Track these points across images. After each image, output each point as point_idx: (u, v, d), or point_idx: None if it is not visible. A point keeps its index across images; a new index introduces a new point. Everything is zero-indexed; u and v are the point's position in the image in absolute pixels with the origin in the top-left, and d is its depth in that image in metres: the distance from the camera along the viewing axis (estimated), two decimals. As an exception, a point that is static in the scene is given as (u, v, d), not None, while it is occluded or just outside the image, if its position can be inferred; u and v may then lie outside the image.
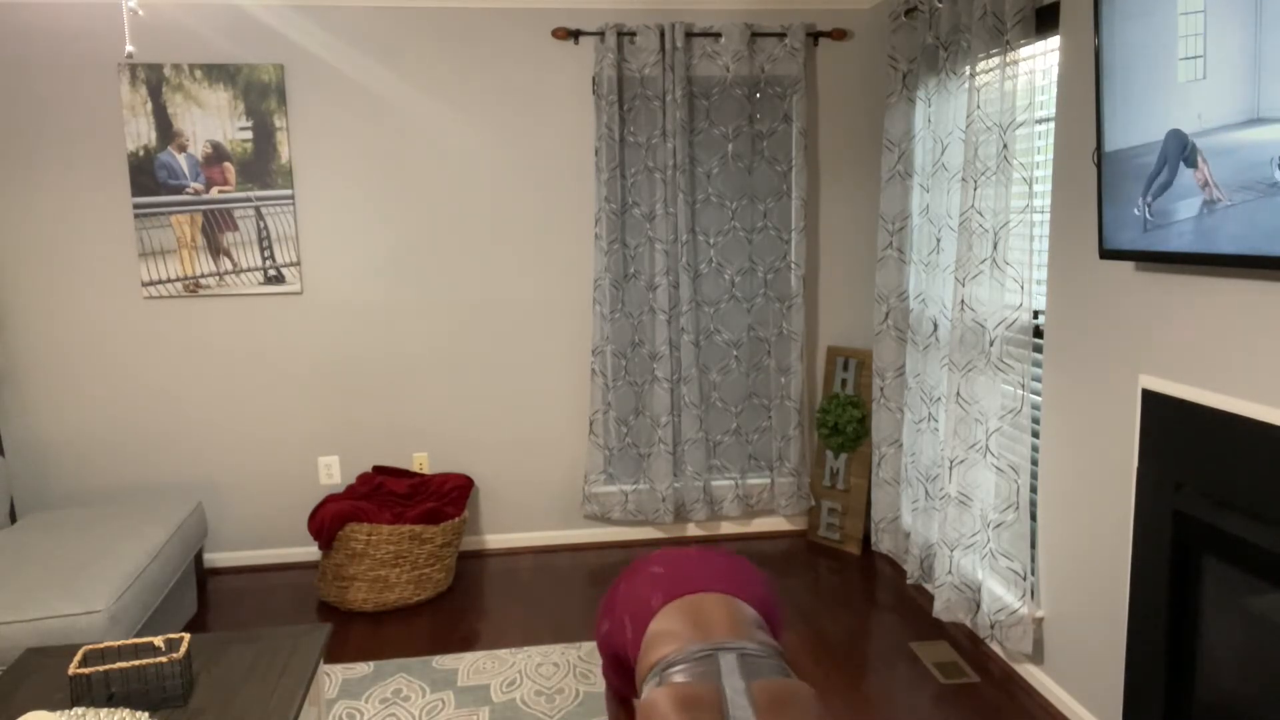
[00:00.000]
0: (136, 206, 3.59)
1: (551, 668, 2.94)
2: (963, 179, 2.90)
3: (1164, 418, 2.11)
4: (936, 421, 3.36)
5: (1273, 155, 1.68)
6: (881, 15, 3.88)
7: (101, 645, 2.02)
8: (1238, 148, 1.76)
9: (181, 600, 3.29)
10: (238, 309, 3.73)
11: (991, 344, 2.80)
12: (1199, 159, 1.86)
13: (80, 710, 1.80)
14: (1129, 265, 2.28)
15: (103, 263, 3.63)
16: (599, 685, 2.82)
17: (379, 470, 3.85)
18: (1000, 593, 2.85)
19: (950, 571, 3.07)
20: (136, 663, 1.92)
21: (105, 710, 1.81)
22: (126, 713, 1.81)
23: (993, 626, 2.87)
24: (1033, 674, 2.80)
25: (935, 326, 3.33)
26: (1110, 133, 2.14)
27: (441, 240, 3.80)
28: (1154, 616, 2.15)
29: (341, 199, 3.72)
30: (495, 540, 4.03)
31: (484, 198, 3.80)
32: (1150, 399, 2.15)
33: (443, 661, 3.00)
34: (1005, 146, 2.70)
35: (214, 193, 3.63)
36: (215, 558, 3.87)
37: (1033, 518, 2.81)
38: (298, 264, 3.72)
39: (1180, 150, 1.92)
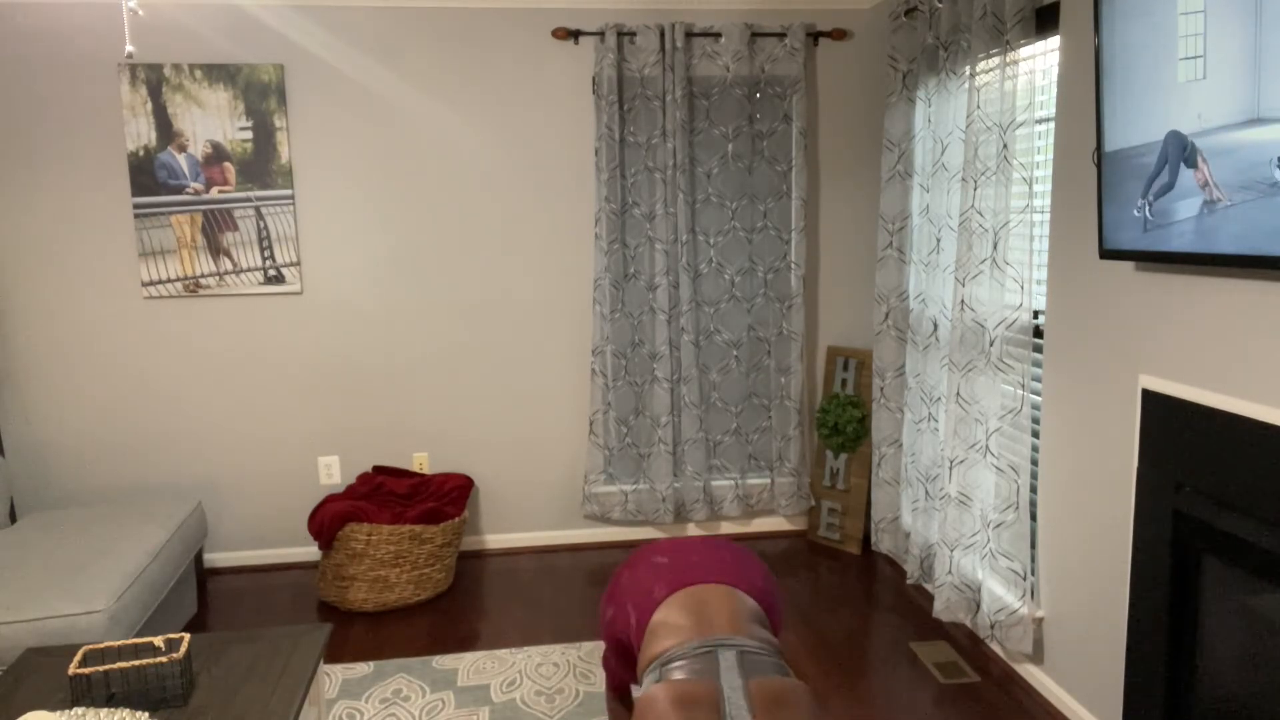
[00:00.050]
0: (136, 206, 3.59)
1: (551, 668, 2.94)
2: (963, 179, 2.90)
3: (1164, 418, 2.11)
4: (936, 421, 3.36)
5: (1273, 155, 1.68)
6: (881, 15, 3.88)
7: (101, 645, 2.02)
8: (1238, 148, 1.76)
9: (181, 600, 3.29)
10: (238, 309, 3.73)
11: (991, 344, 2.80)
12: (1199, 159, 1.86)
13: (80, 710, 1.80)
14: (1129, 265, 2.28)
15: (103, 263, 3.63)
16: (599, 685, 2.82)
17: (379, 470, 3.85)
18: (1000, 593, 2.85)
19: (950, 571, 3.07)
20: (136, 663, 1.92)
21: (105, 710, 1.81)
22: (126, 713, 1.81)
23: (993, 626, 2.87)
24: (1033, 674, 2.80)
25: (935, 326, 3.33)
26: (1110, 133, 2.14)
27: (441, 240, 3.80)
28: (1154, 616, 2.15)
29: (341, 199, 3.72)
30: (495, 540, 4.03)
31: (484, 198, 3.80)
32: (1150, 399, 2.15)
33: (443, 661, 3.00)
34: (1005, 146, 2.70)
35: (214, 193, 3.63)
36: (215, 558, 3.87)
37: (1033, 518, 2.81)
38: (298, 264, 3.72)
39: (1180, 150, 1.92)
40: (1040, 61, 2.73)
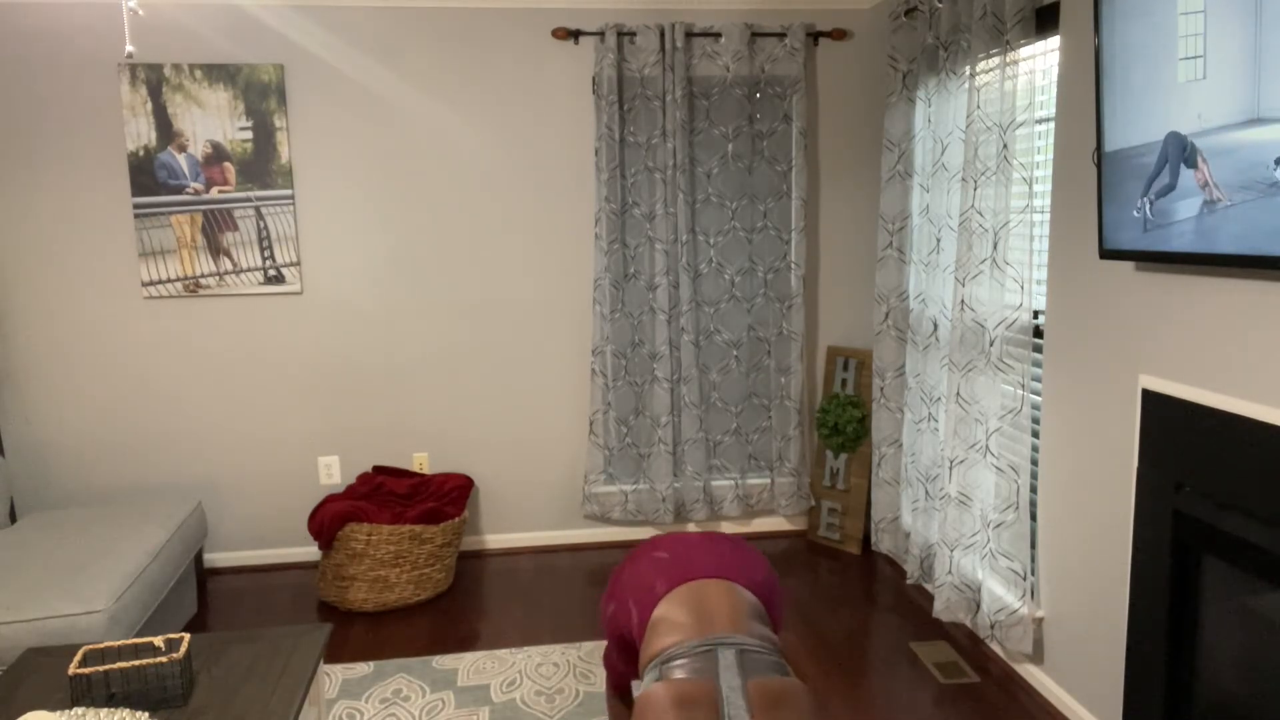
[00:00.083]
0: (136, 206, 3.59)
1: (551, 668, 2.94)
2: (963, 179, 2.90)
3: (1164, 418, 2.11)
4: (936, 421, 3.36)
5: (1273, 155, 1.68)
6: (881, 15, 3.87)
7: (101, 645, 2.02)
8: (1238, 148, 1.76)
9: (181, 600, 3.29)
10: (238, 309, 3.73)
11: (991, 344, 2.80)
12: (1199, 159, 1.86)
13: (80, 710, 1.80)
14: (1129, 265, 2.28)
15: (103, 263, 3.63)
16: (599, 685, 2.82)
17: (379, 470, 3.85)
18: (1000, 593, 2.85)
19: (950, 571, 3.07)
20: (136, 663, 1.92)
21: (105, 710, 1.81)
22: (126, 713, 1.82)
23: (993, 626, 2.87)
24: (1033, 674, 2.80)
25: (935, 326, 3.33)
26: (1110, 133, 2.14)
27: (441, 240, 3.80)
28: (1154, 616, 2.15)
29: (341, 199, 3.72)
30: (495, 540, 4.03)
31: (484, 198, 3.80)
32: (1150, 399, 2.15)
33: (443, 661, 3.00)
34: (1005, 146, 2.70)
35: (214, 193, 3.63)
36: (215, 558, 3.87)
37: (1033, 518, 2.81)
38: (298, 264, 3.72)
39: (1180, 151, 1.92)
40: (1040, 61, 2.73)
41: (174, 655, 1.96)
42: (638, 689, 1.83)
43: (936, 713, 2.66)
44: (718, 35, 3.72)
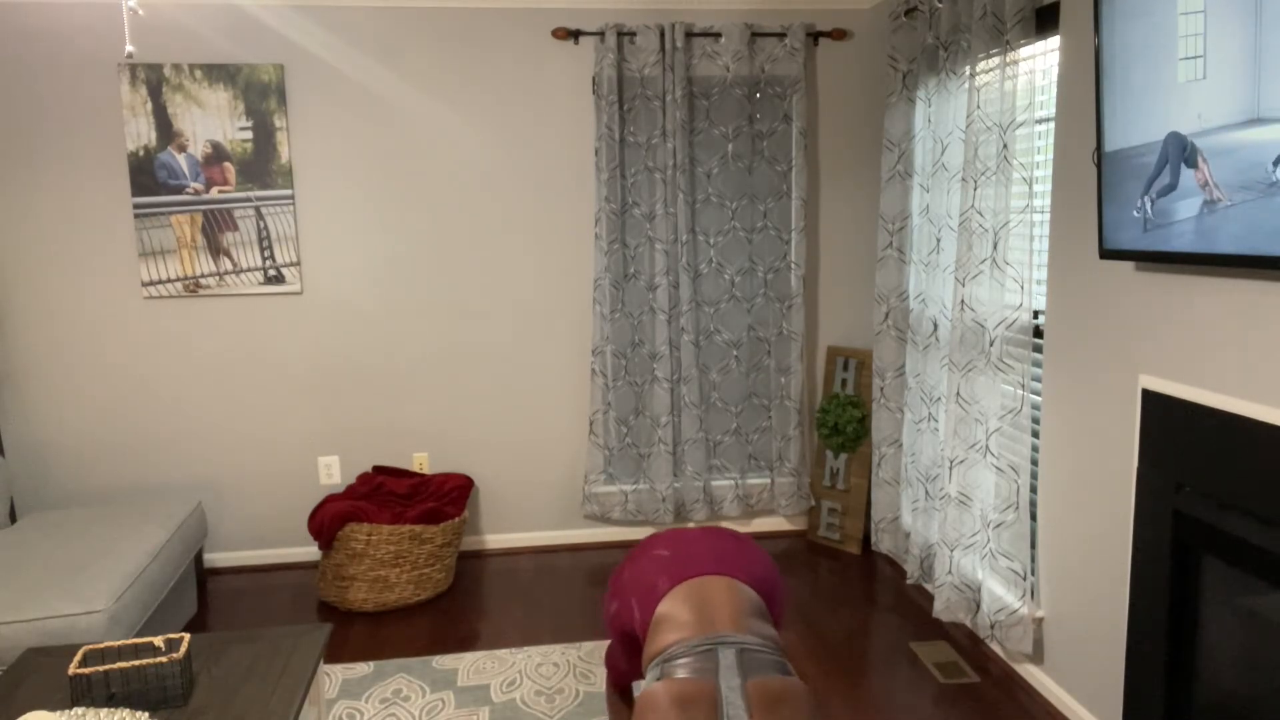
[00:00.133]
0: (136, 206, 3.59)
1: (551, 668, 2.94)
2: (963, 179, 2.90)
3: (1164, 418, 2.11)
4: (936, 421, 3.36)
5: (1272, 155, 1.68)
6: (881, 15, 3.88)
7: (101, 645, 2.02)
8: (1238, 148, 1.76)
9: (181, 600, 3.29)
10: (238, 309, 3.73)
11: (991, 344, 2.80)
12: (1199, 159, 1.87)
13: (80, 710, 1.80)
14: (1129, 265, 2.28)
15: (103, 263, 3.63)
16: (599, 685, 2.82)
17: (379, 470, 3.85)
18: (1000, 593, 2.85)
19: (950, 571, 3.07)
20: (136, 663, 1.92)
21: (105, 710, 1.81)
22: (126, 713, 1.82)
23: (993, 626, 2.87)
24: (1033, 674, 2.80)
25: (935, 326, 3.33)
26: (1110, 133, 2.14)
27: (441, 240, 3.80)
28: (1154, 616, 2.15)
29: (341, 199, 3.72)
30: (495, 540, 4.03)
31: (484, 198, 3.80)
32: (1150, 399, 2.15)
33: (443, 661, 3.00)
34: (1005, 146, 2.70)
35: (214, 193, 3.63)
36: (215, 558, 3.87)
37: (1033, 518, 2.81)
38: (298, 264, 3.72)
39: (1180, 150, 1.92)
40: (1040, 61, 2.73)
41: (174, 655, 1.96)
42: (638, 690, 1.84)
43: (936, 713, 2.66)
44: (718, 35, 3.72)
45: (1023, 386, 2.73)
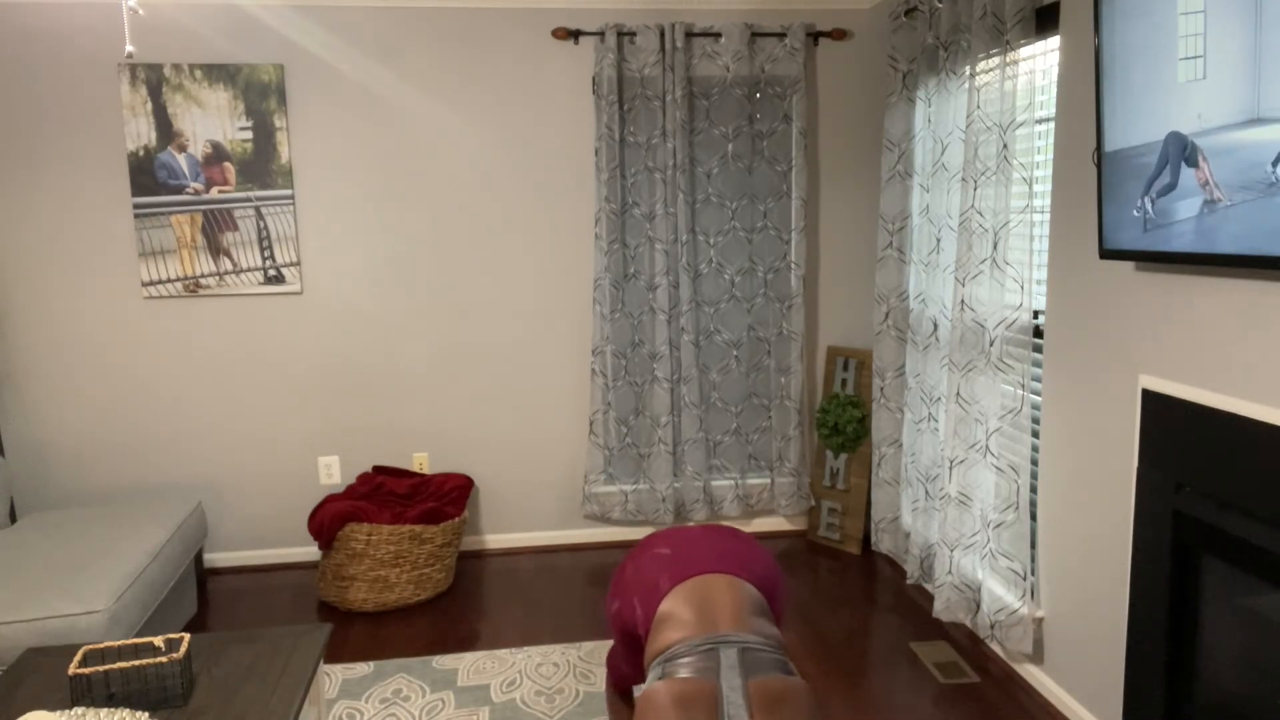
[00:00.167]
0: (136, 206, 3.59)
1: (551, 668, 2.94)
2: (963, 179, 2.90)
3: (1164, 418, 2.11)
4: (936, 421, 3.36)
5: (1272, 155, 1.68)
6: (881, 15, 3.88)
7: (101, 645, 2.02)
8: (1238, 148, 1.76)
9: (181, 600, 3.29)
10: (238, 309, 3.73)
11: (991, 344, 2.80)
12: (1200, 158, 1.87)
13: (80, 710, 1.80)
14: (1129, 265, 2.28)
15: (103, 263, 3.63)
16: (599, 685, 2.82)
17: (379, 470, 3.85)
18: (1000, 593, 2.85)
19: (950, 571, 3.07)
20: (136, 663, 1.92)
21: (105, 710, 1.81)
22: (126, 713, 1.82)
23: (993, 626, 2.87)
24: (1033, 674, 2.80)
25: (935, 326, 3.33)
26: (1110, 133, 2.14)
27: (441, 240, 3.80)
28: (1154, 616, 2.15)
29: (341, 199, 3.72)
30: (495, 540, 4.03)
31: (484, 198, 3.80)
32: (1150, 399, 2.15)
33: (443, 661, 3.00)
34: (1005, 146, 2.70)
35: (214, 193, 3.63)
36: (215, 558, 3.87)
37: (1033, 518, 2.81)
38: (298, 264, 3.72)
39: (1181, 150, 1.92)
40: (1040, 61, 2.73)
41: (174, 655, 1.96)
42: (639, 692, 1.84)
43: (936, 713, 2.66)
44: (718, 35, 3.72)
45: (1023, 386, 2.73)
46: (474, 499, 3.99)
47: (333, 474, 3.88)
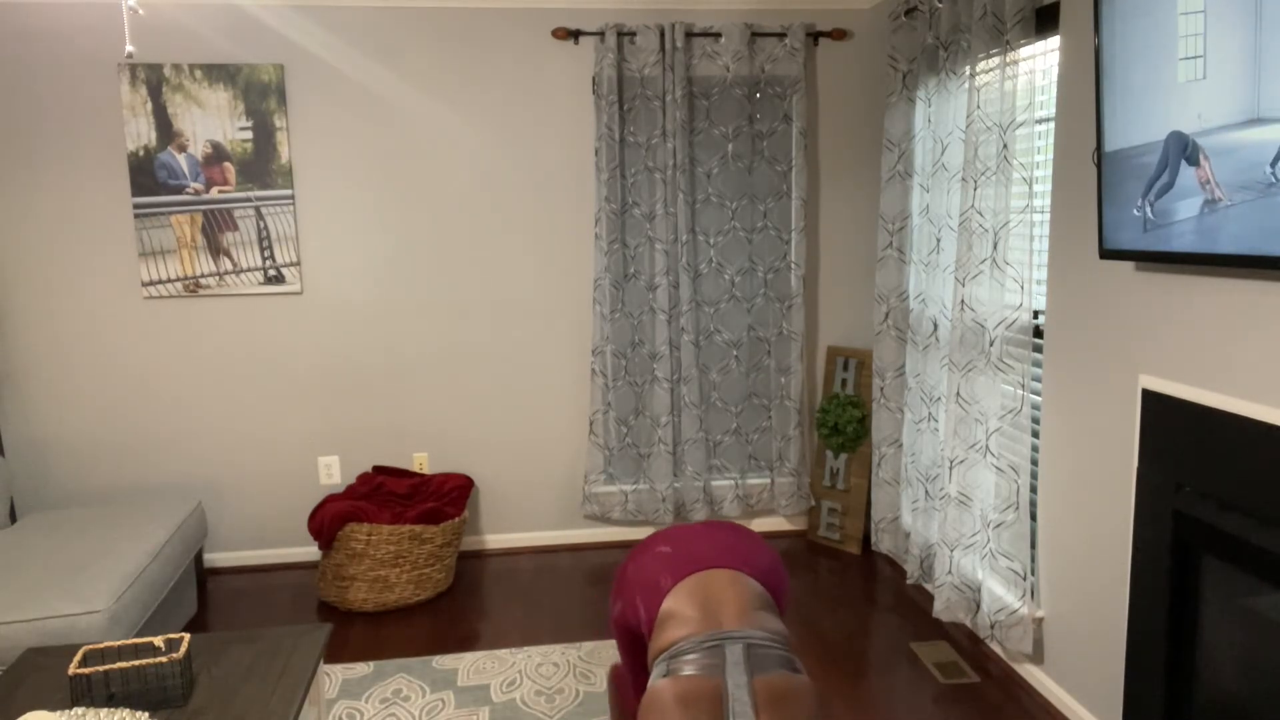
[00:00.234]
0: (136, 206, 3.59)
1: (551, 668, 2.94)
2: (963, 179, 2.90)
3: (1164, 418, 2.11)
4: (936, 421, 3.36)
5: (1272, 155, 1.68)
6: (881, 15, 3.88)
7: (101, 645, 2.02)
8: (1238, 148, 1.76)
9: (181, 600, 3.29)
10: (238, 309, 3.73)
11: (991, 344, 2.80)
12: (1201, 156, 1.87)
13: (80, 710, 1.80)
14: (1129, 265, 2.28)
15: (103, 263, 3.63)
16: (599, 685, 2.82)
17: (379, 470, 3.85)
18: (1000, 593, 2.85)
19: (950, 571, 3.07)
20: (136, 663, 1.92)
21: (105, 710, 1.81)
22: (126, 713, 1.82)
23: (993, 626, 2.87)
24: (1033, 674, 2.80)
25: (935, 326, 3.33)
26: (1110, 133, 2.14)
27: (441, 240, 3.80)
28: (1154, 616, 2.15)
29: (341, 199, 3.72)
30: (495, 540, 4.03)
31: (484, 198, 3.80)
32: (1150, 399, 2.15)
33: (443, 661, 3.00)
34: (1005, 146, 2.70)
35: (214, 193, 3.63)
36: (215, 558, 3.87)
37: (1033, 518, 2.81)
38: (298, 264, 3.72)
39: (1181, 149, 1.92)
40: (1040, 61, 2.73)
41: (174, 655, 1.96)
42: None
43: (936, 713, 2.66)
44: (718, 35, 3.72)
45: (1023, 386, 2.73)
46: (474, 499, 3.99)
47: (333, 474, 3.88)
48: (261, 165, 3.64)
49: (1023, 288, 2.70)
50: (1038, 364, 2.76)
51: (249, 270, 3.69)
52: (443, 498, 3.62)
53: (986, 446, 2.86)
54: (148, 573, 2.84)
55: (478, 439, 3.95)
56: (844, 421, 3.90)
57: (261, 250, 3.69)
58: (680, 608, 1.95)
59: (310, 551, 3.92)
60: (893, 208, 3.58)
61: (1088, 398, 2.48)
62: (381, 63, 3.66)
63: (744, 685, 1.67)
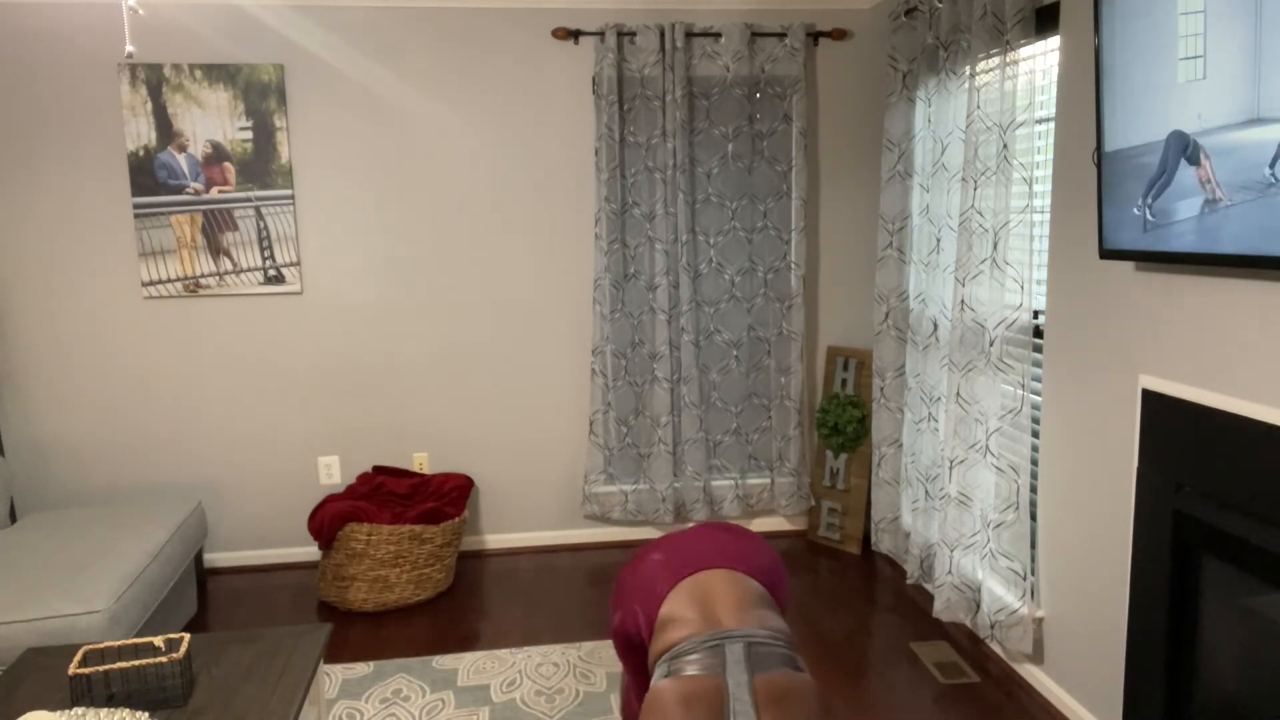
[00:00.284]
0: (136, 206, 3.59)
1: (551, 668, 2.94)
2: (963, 179, 2.90)
3: (1164, 418, 2.11)
4: (936, 421, 3.36)
5: (1270, 155, 1.68)
6: (881, 15, 3.88)
7: (101, 645, 2.02)
8: (1238, 148, 1.76)
9: (181, 600, 3.29)
10: (238, 309, 3.73)
11: (991, 344, 2.80)
12: (1201, 155, 1.87)
13: (80, 710, 1.80)
14: (1129, 265, 2.28)
15: (103, 263, 3.63)
16: (599, 685, 2.82)
17: (379, 470, 3.85)
18: (1000, 593, 2.85)
19: (950, 571, 3.07)
20: (136, 663, 1.92)
21: (105, 710, 1.81)
22: (126, 713, 1.82)
23: (993, 626, 2.87)
24: (1033, 674, 2.80)
25: (935, 326, 3.33)
26: (1110, 133, 2.14)
27: (441, 240, 3.80)
28: (1154, 616, 2.15)
29: (341, 199, 3.72)
30: (495, 540, 4.03)
31: (484, 198, 3.80)
32: (1150, 399, 2.15)
33: (443, 661, 3.00)
34: (1005, 146, 2.70)
35: (214, 193, 3.63)
36: (215, 558, 3.87)
37: (1033, 518, 2.81)
38: (298, 264, 3.72)
39: (1182, 149, 1.92)
40: (1040, 61, 2.73)
41: (174, 655, 1.96)
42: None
43: (936, 713, 2.66)
44: (718, 35, 3.72)
45: (1023, 386, 2.73)
46: (474, 499, 3.99)
47: (333, 474, 3.88)
48: (261, 165, 3.64)
49: (1023, 288, 2.70)
50: (1038, 364, 2.76)
51: (249, 270, 3.69)
52: (443, 498, 3.62)
53: (986, 446, 2.86)
54: (148, 573, 2.84)
55: (478, 439, 3.95)
56: (844, 421, 3.90)
57: (261, 250, 3.69)
58: (678, 610, 1.94)
59: (310, 551, 3.92)
60: (893, 208, 3.58)
61: (1088, 398, 2.48)
62: (381, 63, 3.66)
63: (744, 684, 1.67)
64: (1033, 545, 2.81)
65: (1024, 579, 2.77)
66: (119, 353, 3.69)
